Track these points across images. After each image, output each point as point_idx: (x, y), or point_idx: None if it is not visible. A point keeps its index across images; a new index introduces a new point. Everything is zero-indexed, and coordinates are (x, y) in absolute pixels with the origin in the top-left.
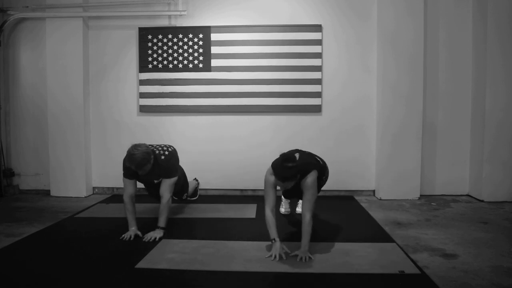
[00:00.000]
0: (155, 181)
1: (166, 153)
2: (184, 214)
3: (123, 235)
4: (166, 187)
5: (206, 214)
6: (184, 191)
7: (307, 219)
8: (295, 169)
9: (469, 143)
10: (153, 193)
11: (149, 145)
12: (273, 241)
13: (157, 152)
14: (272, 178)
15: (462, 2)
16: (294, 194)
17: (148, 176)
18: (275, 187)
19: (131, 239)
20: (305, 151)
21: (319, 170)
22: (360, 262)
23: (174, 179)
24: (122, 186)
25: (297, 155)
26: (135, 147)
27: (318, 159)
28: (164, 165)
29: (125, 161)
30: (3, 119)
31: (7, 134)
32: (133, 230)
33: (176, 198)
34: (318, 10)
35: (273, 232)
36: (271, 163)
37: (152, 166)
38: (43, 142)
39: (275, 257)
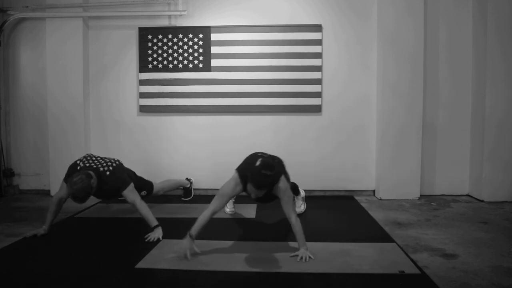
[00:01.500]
0: (103, 194)
1: (111, 168)
2: (184, 214)
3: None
4: (130, 196)
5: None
6: (141, 190)
7: (293, 220)
8: (272, 178)
9: (469, 143)
10: (103, 199)
11: (95, 159)
12: (189, 236)
13: (101, 169)
14: (236, 189)
15: (462, 2)
16: (262, 200)
17: (97, 194)
18: (232, 197)
19: (37, 235)
20: (268, 154)
21: (284, 173)
22: (360, 262)
23: (129, 187)
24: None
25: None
26: (72, 185)
27: (278, 161)
28: (111, 181)
29: (69, 171)
30: (3, 119)
31: (7, 134)
32: (43, 229)
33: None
34: (318, 10)
35: (194, 228)
36: (237, 170)
37: (97, 185)
38: (43, 142)
39: (185, 256)
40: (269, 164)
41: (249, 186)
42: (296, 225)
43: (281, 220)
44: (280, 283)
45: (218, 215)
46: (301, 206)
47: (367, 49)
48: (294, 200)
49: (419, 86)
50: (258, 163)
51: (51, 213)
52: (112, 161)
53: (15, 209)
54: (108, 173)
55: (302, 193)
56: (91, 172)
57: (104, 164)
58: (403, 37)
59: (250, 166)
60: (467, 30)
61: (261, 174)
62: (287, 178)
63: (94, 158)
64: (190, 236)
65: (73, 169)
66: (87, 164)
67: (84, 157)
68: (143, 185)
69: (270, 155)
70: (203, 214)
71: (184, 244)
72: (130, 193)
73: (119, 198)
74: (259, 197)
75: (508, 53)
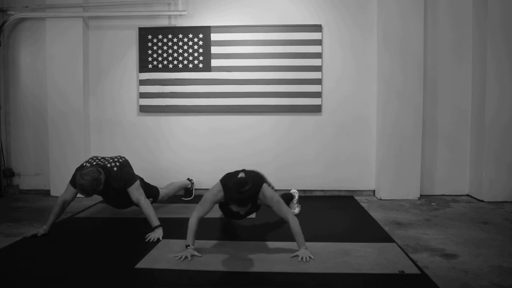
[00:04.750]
0: (111, 194)
1: (118, 164)
2: (184, 214)
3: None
4: (135, 193)
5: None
6: (148, 196)
7: (291, 222)
8: (249, 191)
9: (469, 143)
10: (111, 204)
11: (101, 158)
12: (187, 247)
13: (108, 165)
14: (218, 195)
15: (462, 2)
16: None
17: (106, 194)
18: (214, 203)
19: (37, 235)
20: (248, 171)
21: (266, 181)
22: (360, 262)
23: (136, 183)
24: None
25: (242, 174)
26: (82, 176)
27: (254, 174)
28: (119, 176)
29: (76, 172)
30: (3, 119)
31: (7, 134)
32: (43, 229)
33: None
34: (318, 10)
35: (190, 240)
36: (220, 181)
37: (105, 182)
38: (43, 142)
39: (181, 257)
40: (242, 181)
41: (233, 207)
42: (294, 226)
43: (281, 220)
44: (280, 283)
45: (218, 215)
46: (295, 209)
47: (367, 49)
48: (288, 202)
49: (419, 86)
50: (231, 184)
51: (54, 214)
52: (118, 157)
53: (15, 209)
54: (115, 168)
55: (296, 196)
56: (99, 169)
57: (111, 161)
58: (403, 37)
59: (228, 187)
60: (467, 29)
61: (240, 193)
62: (271, 187)
63: (100, 158)
64: (188, 247)
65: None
66: (94, 163)
67: (91, 158)
68: (150, 192)
69: (248, 171)
70: (190, 223)
71: (184, 252)
72: (136, 190)
73: (133, 205)
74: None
75: (509, 53)
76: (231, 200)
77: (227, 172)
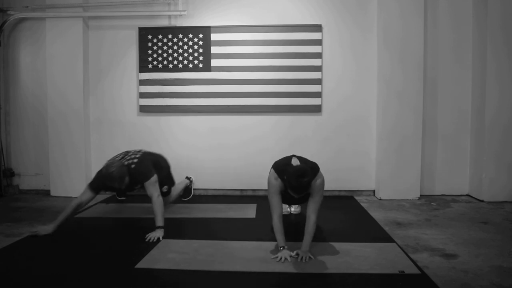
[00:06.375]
0: (123, 188)
1: (135, 160)
2: (184, 214)
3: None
4: (150, 188)
5: (206, 214)
6: (163, 184)
7: (312, 220)
8: (311, 179)
9: (469, 143)
10: (121, 195)
11: (117, 160)
12: (281, 248)
13: (126, 163)
14: (277, 183)
15: (462, 2)
16: (298, 201)
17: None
18: (281, 193)
19: (38, 235)
20: (299, 156)
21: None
22: (360, 262)
23: (153, 179)
24: None
25: (296, 160)
26: (108, 167)
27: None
28: (137, 172)
29: (101, 175)
30: (3, 119)
31: (7, 134)
32: (44, 229)
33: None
34: (318, 10)
35: (281, 240)
36: (273, 167)
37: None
38: (43, 142)
39: (280, 258)
40: (304, 170)
41: (290, 191)
42: (312, 226)
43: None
44: (280, 283)
45: (219, 215)
46: (298, 209)
47: (367, 49)
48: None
49: (419, 86)
50: (291, 169)
51: (66, 214)
52: (136, 152)
53: (15, 209)
54: (133, 165)
55: None
56: (124, 168)
57: (128, 158)
58: (403, 37)
59: (286, 168)
60: (467, 29)
61: (300, 182)
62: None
63: (116, 160)
64: (284, 248)
65: (99, 173)
66: (114, 164)
67: (106, 164)
68: (170, 181)
69: (300, 157)
70: (274, 224)
71: (281, 253)
72: (151, 186)
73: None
74: (293, 198)
75: (509, 53)
76: (291, 186)
77: (276, 160)
